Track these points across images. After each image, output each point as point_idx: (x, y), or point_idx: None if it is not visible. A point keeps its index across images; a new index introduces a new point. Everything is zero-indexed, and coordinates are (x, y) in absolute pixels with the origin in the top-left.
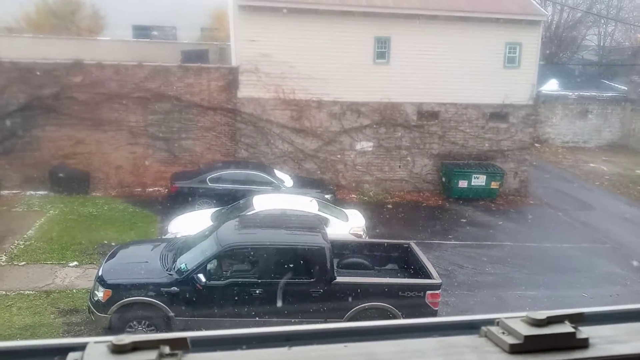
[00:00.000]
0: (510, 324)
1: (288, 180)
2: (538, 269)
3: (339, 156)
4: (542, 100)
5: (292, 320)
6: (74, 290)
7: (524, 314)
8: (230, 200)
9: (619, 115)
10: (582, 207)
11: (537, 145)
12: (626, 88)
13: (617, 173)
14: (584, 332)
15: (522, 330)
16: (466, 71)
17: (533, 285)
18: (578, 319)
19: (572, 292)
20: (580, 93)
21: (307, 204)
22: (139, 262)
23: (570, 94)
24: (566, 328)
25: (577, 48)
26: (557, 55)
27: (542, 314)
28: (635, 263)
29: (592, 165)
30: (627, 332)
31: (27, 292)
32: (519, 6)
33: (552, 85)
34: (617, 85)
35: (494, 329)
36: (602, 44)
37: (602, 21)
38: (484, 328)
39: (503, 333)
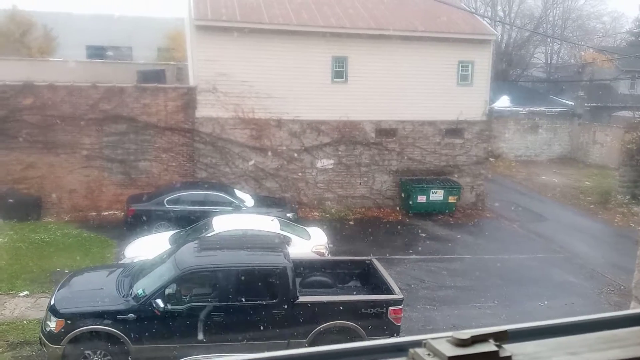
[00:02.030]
0: (436, 345)
1: (249, 200)
2: (497, 280)
3: (300, 174)
4: (494, 116)
5: (253, 343)
6: (25, 322)
7: (450, 334)
8: (189, 222)
9: (567, 129)
10: (536, 219)
11: (491, 159)
12: (573, 103)
13: (568, 185)
14: (508, 349)
15: (447, 351)
16: (422, 89)
17: (492, 297)
18: (502, 337)
19: (530, 302)
20: (531, 108)
21: (268, 223)
22: (94, 289)
23: (521, 109)
24: (490, 347)
25: (526, 65)
26: (507, 72)
27: (466, 334)
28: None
29: (544, 177)
30: (550, 348)
31: None
32: (471, 26)
33: (503, 102)
34: (564, 101)
35: (420, 350)
36: (549, 62)
37: (549, 40)
38: (411, 350)
39: (429, 355)
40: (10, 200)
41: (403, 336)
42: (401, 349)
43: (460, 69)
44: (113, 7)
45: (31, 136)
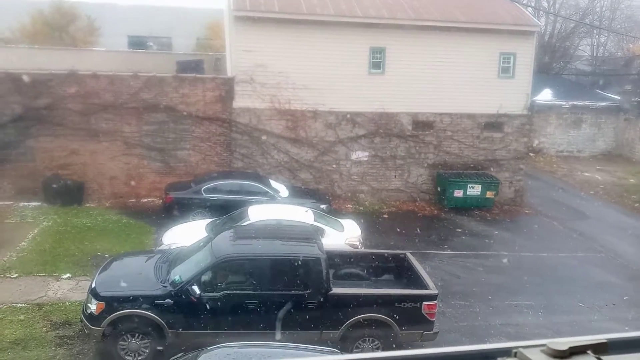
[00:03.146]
0: (529, 355)
1: (283, 191)
2: (534, 278)
3: (334, 166)
4: (536, 109)
5: (286, 333)
6: (67, 303)
7: (543, 342)
8: (225, 211)
9: (612, 125)
10: (577, 217)
11: (531, 154)
12: (619, 98)
13: (611, 182)
14: None
15: None
16: (461, 81)
17: (529, 295)
18: (601, 349)
19: (568, 301)
20: (574, 103)
21: (302, 214)
22: (133, 274)
23: (564, 103)
24: (589, 359)
25: (571, 58)
26: (550, 65)
27: (563, 344)
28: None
29: (586, 174)
30: None
31: (19, 304)
32: (513, 17)
33: (546, 95)
34: (610, 95)
35: None
36: (595, 54)
37: (595, 32)
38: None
39: None
40: (55, 186)
41: (491, 342)
42: (488, 356)
43: (501, 60)
44: None
45: (75, 124)
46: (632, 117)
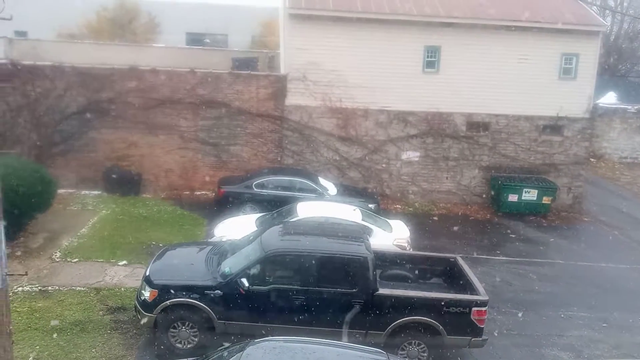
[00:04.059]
0: None
1: (332, 188)
2: (591, 289)
3: (384, 165)
4: (599, 113)
5: (331, 330)
6: (122, 289)
7: None
8: (274, 206)
9: None
10: None
11: (592, 160)
12: None
13: None
14: None
15: None
16: (519, 82)
17: (585, 307)
18: None
19: (628, 315)
20: None
21: (350, 212)
22: (185, 264)
23: (630, 107)
24: None
25: (638, 60)
26: (616, 66)
27: None
28: None
29: None
30: None
31: (78, 288)
32: (577, 16)
33: (610, 98)
34: None
35: None
36: None
37: None
38: None
39: None
40: (114, 176)
41: (541, 354)
42: None
43: (563, 61)
44: None
45: (134, 117)
46: None
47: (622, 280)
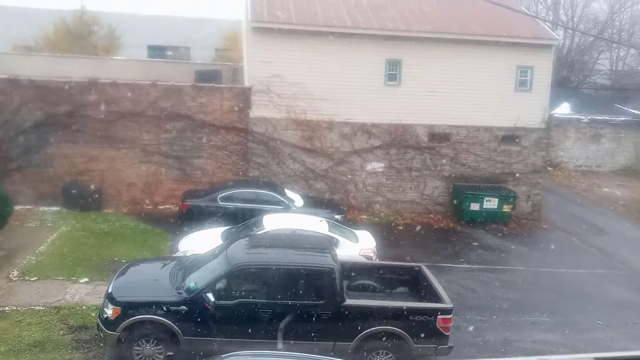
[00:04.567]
0: None
1: (298, 200)
2: (551, 295)
3: (349, 176)
4: (554, 123)
5: (299, 343)
6: (84, 307)
7: (533, 358)
8: (240, 219)
9: (632, 140)
10: (596, 232)
11: (549, 168)
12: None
13: (632, 198)
14: None
15: None
16: (478, 94)
17: (546, 311)
18: None
19: (586, 319)
20: (593, 117)
21: (317, 224)
22: (149, 280)
23: (583, 117)
24: None
25: (589, 72)
26: (569, 78)
27: None
28: None
29: (605, 189)
30: None
31: (37, 307)
32: (531, 30)
33: (564, 109)
34: (630, 110)
35: None
36: (614, 68)
37: (614, 46)
38: None
39: None
40: (74, 191)
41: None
42: None
43: (519, 74)
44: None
45: (94, 131)
46: None
47: (580, 285)
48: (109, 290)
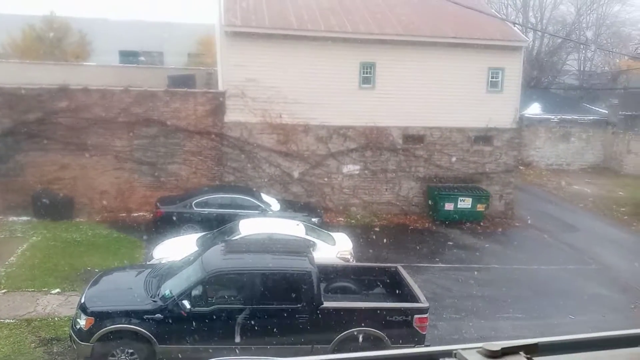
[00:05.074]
0: (466, 356)
1: (275, 204)
2: (525, 292)
3: (326, 179)
4: (525, 123)
5: (277, 347)
6: (56, 319)
7: (480, 345)
8: (216, 225)
9: (600, 138)
10: (567, 229)
11: (521, 168)
12: (607, 111)
13: (601, 195)
14: None
15: None
16: (450, 95)
17: (520, 308)
18: (532, 350)
19: (559, 314)
20: (563, 116)
21: (294, 227)
22: (123, 289)
23: (553, 117)
24: (520, 359)
25: (558, 73)
26: (539, 79)
27: (496, 345)
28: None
29: (575, 187)
30: None
31: (7, 320)
32: (501, 32)
33: (534, 109)
34: (598, 109)
35: None
36: (582, 69)
37: (582, 47)
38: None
39: None
40: (45, 200)
41: (433, 346)
42: (432, 358)
43: (490, 75)
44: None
45: (65, 138)
46: (619, 131)
47: (553, 281)
48: (82, 300)
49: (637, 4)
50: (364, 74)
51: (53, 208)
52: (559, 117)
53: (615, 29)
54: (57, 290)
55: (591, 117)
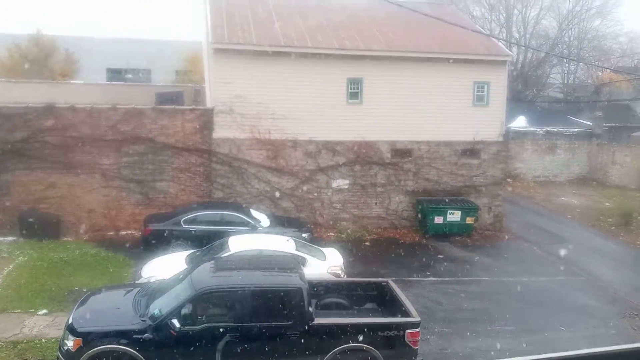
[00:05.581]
0: None
1: (265, 220)
2: (516, 304)
3: (315, 194)
4: (511, 136)
5: None
6: (43, 340)
7: None
8: (205, 242)
9: (586, 150)
10: (556, 241)
11: (509, 180)
12: (591, 123)
13: (587, 206)
14: None
15: None
16: (437, 109)
17: (511, 320)
18: None
19: (550, 326)
20: (548, 129)
21: (284, 243)
22: (111, 309)
23: (538, 130)
24: None
25: (543, 86)
26: (524, 93)
27: None
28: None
29: (563, 198)
30: None
31: None
32: (485, 47)
33: (520, 122)
34: (582, 121)
35: None
36: (566, 82)
37: (565, 60)
38: None
39: None
40: (31, 220)
41: None
42: None
43: (475, 89)
44: (133, 31)
45: (52, 157)
46: (604, 142)
47: (543, 293)
48: (69, 321)
49: (616, 18)
50: (351, 89)
51: (40, 227)
52: (544, 129)
53: (597, 42)
54: (44, 311)
55: (576, 129)
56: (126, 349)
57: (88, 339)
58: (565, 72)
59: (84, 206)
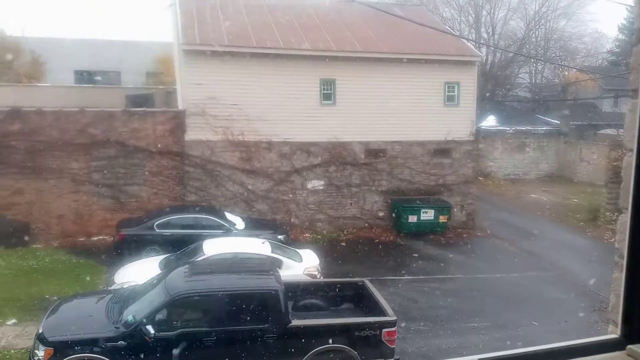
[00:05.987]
0: None
1: (239, 223)
2: (489, 300)
3: (290, 196)
4: (482, 135)
5: None
6: (12, 351)
7: None
8: (179, 246)
9: (554, 148)
10: (527, 237)
11: (480, 178)
12: (559, 122)
13: (557, 202)
14: None
15: None
16: (409, 110)
17: (485, 316)
18: None
19: (523, 321)
20: (517, 128)
21: (259, 246)
22: (83, 316)
23: (508, 128)
24: None
25: (512, 85)
26: (493, 92)
27: None
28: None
29: (533, 196)
30: None
31: None
32: (455, 48)
33: (490, 121)
34: (550, 120)
35: None
36: (534, 81)
37: (533, 60)
38: None
39: None
40: None
41: None
42: None
43: (446, 89)
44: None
45: (19, 162)
46: (572, 140)
47: (515, 288)
48: (40, 331)
49: (581, 19)
50: (324, 90)
51: (7, 234)
52: (513, 128)
53: (563, 43)
54: (13, 320)
55: (544, 128)
56: (99, 357)
57: (59, 348)
58: (533, 71)
59: (54, 212)
